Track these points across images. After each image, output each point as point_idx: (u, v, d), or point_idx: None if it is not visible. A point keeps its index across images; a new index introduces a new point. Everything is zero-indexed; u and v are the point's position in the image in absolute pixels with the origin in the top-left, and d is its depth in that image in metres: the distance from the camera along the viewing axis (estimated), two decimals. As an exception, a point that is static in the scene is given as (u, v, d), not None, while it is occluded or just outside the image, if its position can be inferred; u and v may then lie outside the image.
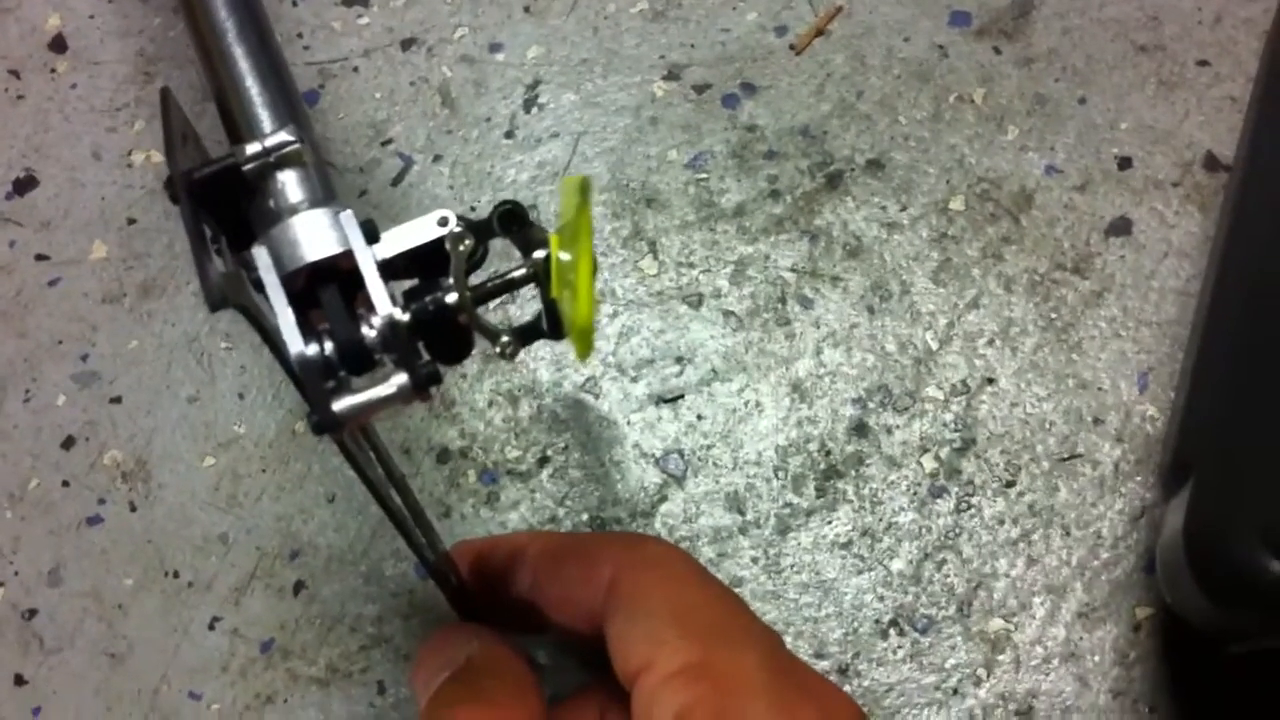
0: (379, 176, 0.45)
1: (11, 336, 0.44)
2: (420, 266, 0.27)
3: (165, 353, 0.43)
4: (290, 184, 0.28)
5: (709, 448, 0.40)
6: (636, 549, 0.31)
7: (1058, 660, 0.37)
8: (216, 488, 0.41)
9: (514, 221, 0.28)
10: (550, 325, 0.28)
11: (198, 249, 0.25)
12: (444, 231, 0.27)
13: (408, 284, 0.28)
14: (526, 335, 0.28)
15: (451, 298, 0.27)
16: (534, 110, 0.46)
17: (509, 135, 0.46)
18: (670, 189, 0.44)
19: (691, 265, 0.43)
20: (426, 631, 0.38)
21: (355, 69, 0.47)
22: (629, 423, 0.41)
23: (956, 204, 0.43)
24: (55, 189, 0.46)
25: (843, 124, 0.45)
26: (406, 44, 0.48)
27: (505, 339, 0.28)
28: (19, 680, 0.39)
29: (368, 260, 0.26)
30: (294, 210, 0.27)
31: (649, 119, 0.45)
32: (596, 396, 0.41)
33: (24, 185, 0.46)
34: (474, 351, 0.28)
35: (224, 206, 0.28)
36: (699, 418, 0.41)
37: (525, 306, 0.42)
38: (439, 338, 0.27)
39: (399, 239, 0.27)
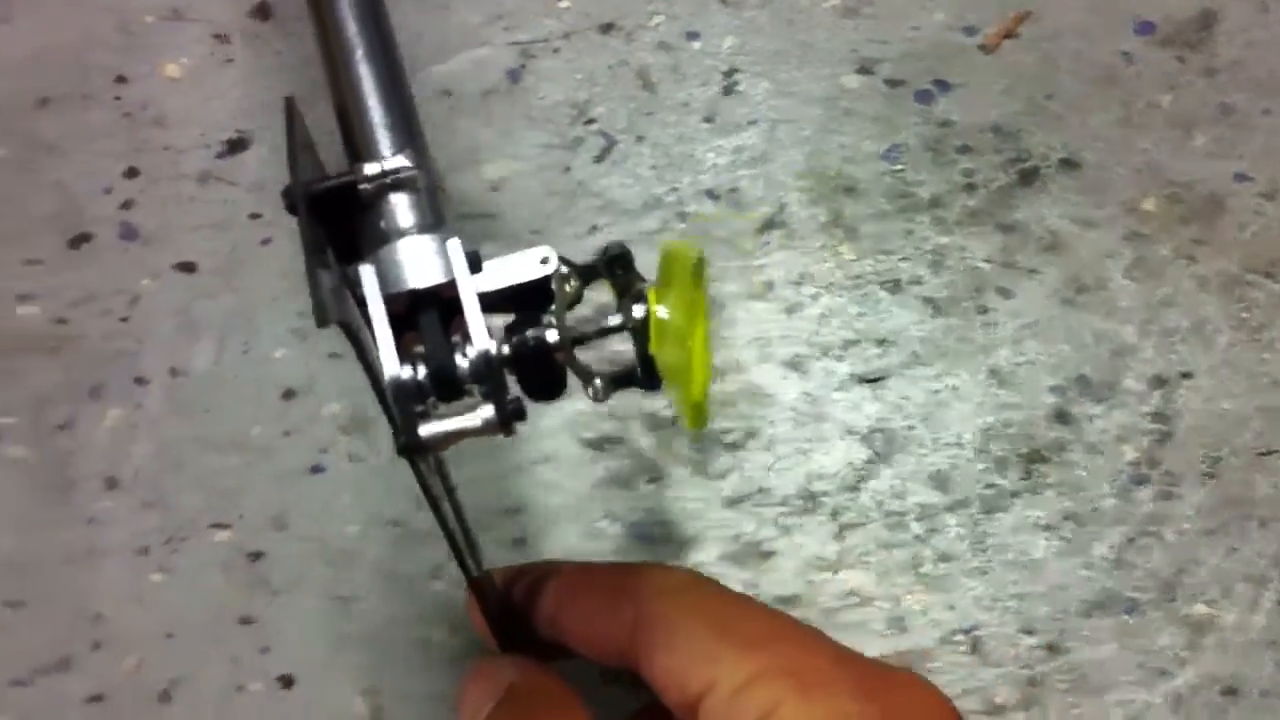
0: (582, 154, 0.47)
1: (228, 291, 0.45)
2: (518, 301, 0.28)
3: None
4: (402, 207, 0.29)
5: (911, 428, 0.42)
6: (656, 580, 0.30)
7: (1261, 646, 0.38)
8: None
9: (619, 265, 0.28)
10: (645, 376, 0.28)
11: (312, 262, 0.25)
12: (545, 270, 0.27)
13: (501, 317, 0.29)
14: (620, 382, 0.28)
15: (552, 336, 0.27)
16: (731, 97, 0.47)
17: (707, 120, 0.47)
18: (866, 178, 0.46)
19: (889, 252, 0.44)
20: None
21: (556, 50, 0.48)
22: (833, 400, 0.42)
23: (1149, 205, 0.44)
24: (265, 151, 0.47)
25: (1035, 122, 0.46)
26: (605, 28, 0.49)
27: (599, 382, 0.28)
28: (245, 620, 0.40)
29: (469, 291, 0.27)
30: (403, 234, 0.28)
31: (843, 110, 0.47)
32: (802, 374, 0.42)
33: (236, 146, 0.47)
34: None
35: (336, 220, 0.28)
36: (902, 398, 0.42)
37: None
38: (534, 374, 0.28)
39: (501, 272, 0.28)
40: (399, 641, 0.40)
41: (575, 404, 0.42)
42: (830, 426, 0.42)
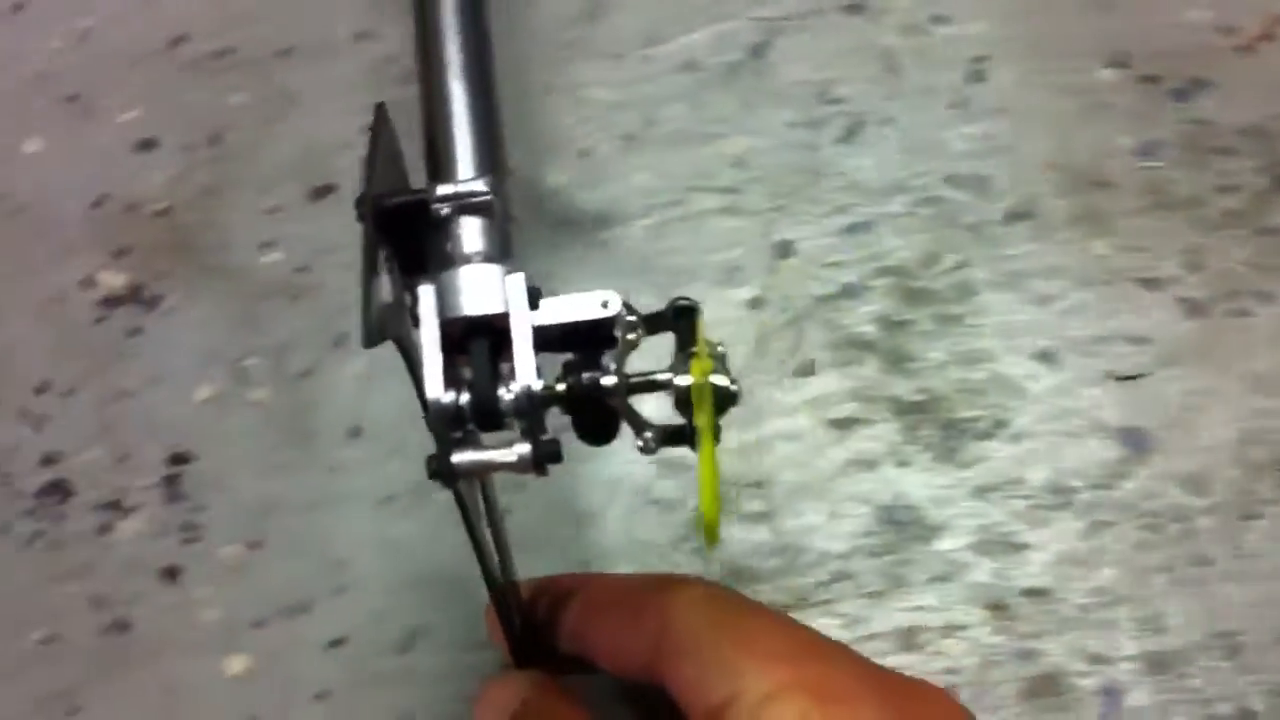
0: (826, 133, 0.46)
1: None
2: (575, 340, 0.27)
3: (624, 277, 0.44)
4: (471, 233, 0.28)
5: (1165, 428, 0.41)
6: (681, 593, 0.30)
7: None
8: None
9: (685, 321, 0.27)
10: (691, 440, 0.27)
11: (368, 277, 0.25)
12: (604, 313, 0.27)
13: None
14: (671, 438, 0.27)
15: (608, 381, 0.27)
16: (978, 84, 0.47)
17: (954, 106, 0.46)
18: (1119, 173, 0.45)
19: (1143, 249, 0.43)
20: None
21: (800, 28, 0.48)
22: (1085, 395, 0.41)
23: None
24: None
25: (1295, 127, 0.45)
26: (851, 9, 0.49)
27: (649, 435, 0.27)
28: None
29: (523, 327, 0.26)
30: (468, 260, 0.27)
31: (1095, 104, 0.46)
32: (1052, 367, 0.42)
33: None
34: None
35: (404, 234, 0.28)
36: (1156, 398, 0.41)
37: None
38: (587, 416, 0.27)
39: (558, 310, 0.27)
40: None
41: (824, 381, 0.42)
42: (1081, 422, 0.41)
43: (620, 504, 0.40)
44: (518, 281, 0.27)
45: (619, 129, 0.47)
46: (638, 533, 0.40)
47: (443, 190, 0.28)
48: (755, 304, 0.43)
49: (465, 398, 0.26)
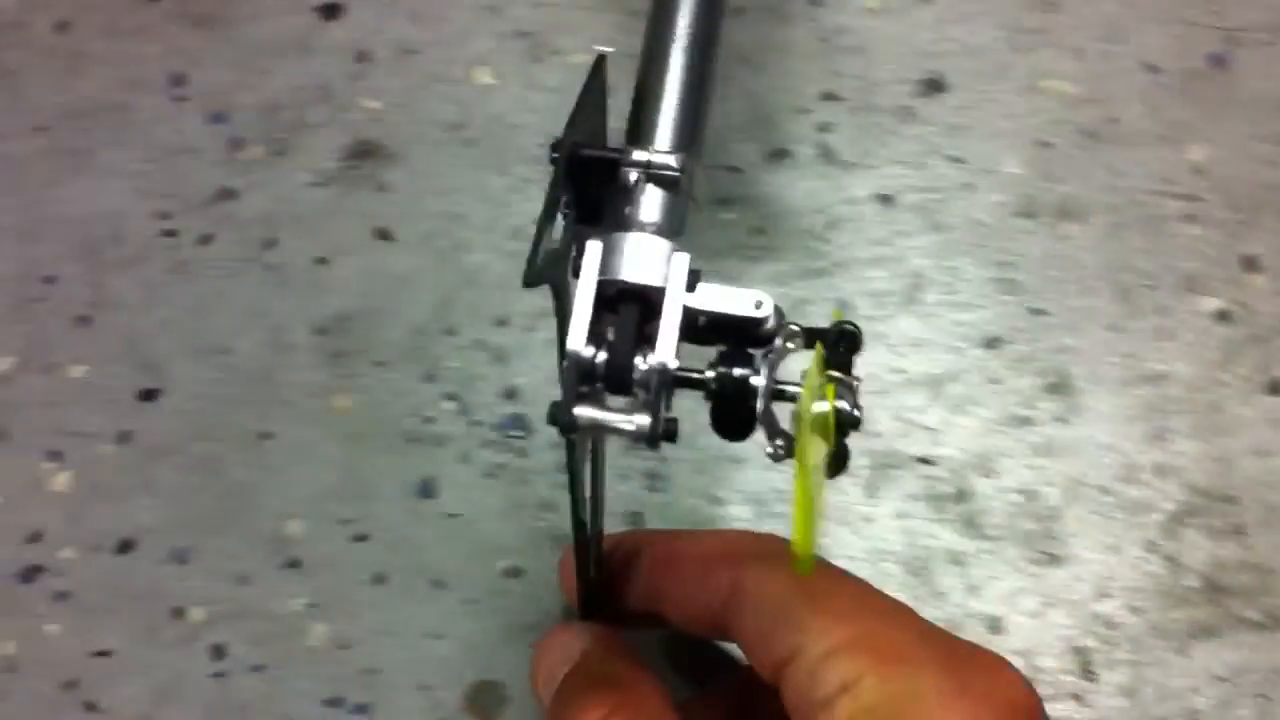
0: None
1: (927, 230, 0.45)
2: (717, 332, 0.28)
3: (1085, 276, 0.44)
4: (652, 203, 0.29)
5: None
6: (752, 547, 0.31)
7: None
8: (1138, 419, 0.42)
9: (845, 345, 0.27)
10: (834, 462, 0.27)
11: (544, 219, 0.26)
12: (754, 313, 0.27)
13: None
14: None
15: (757, 381, 0.27)
16: None
17: None
18: None
19: None
20: None
21: (1267, 43, 0.48)
22: None
23: None
24: (961, 93, 0.47)
25: None
26: (1315, 27, 0.48)
27: (780, 442, 0.27)
28: (954, 559, 0.41)
29: (675, 305, 0.27)
30: (641, 227, 0.28)
31: None
32: None
33: (932, 86, 0.48)
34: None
35: (589, 186, 0.29)
36: None
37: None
38: (726, 411, 0.27)
39: (714, 298, 0.27)
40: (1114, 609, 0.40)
41: None
42: None
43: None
44: (682, 260, 0.27)
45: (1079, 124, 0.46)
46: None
47: (637, 155, 0.29)
48: (1221, 317, 0.43)
49: (602, 357, 0.26)
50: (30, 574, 0.41)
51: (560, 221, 0.28)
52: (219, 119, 0.48)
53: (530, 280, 0.25)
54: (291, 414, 0.43)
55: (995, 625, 0.40)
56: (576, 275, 0.27)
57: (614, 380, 0.27)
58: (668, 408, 0.27)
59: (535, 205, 0.44)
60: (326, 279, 0.45)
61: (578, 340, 0.26)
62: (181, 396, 0.44)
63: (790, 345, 0.27)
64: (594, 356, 0.27)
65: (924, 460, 0.42)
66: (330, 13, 0.50)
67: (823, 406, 0.26)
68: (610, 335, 0.27)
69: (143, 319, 0.45)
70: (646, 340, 0.27)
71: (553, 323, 0.28)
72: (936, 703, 0.26)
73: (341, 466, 0.43)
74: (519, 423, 0.43)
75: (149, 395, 0.44)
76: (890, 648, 0.27)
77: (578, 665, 0.32)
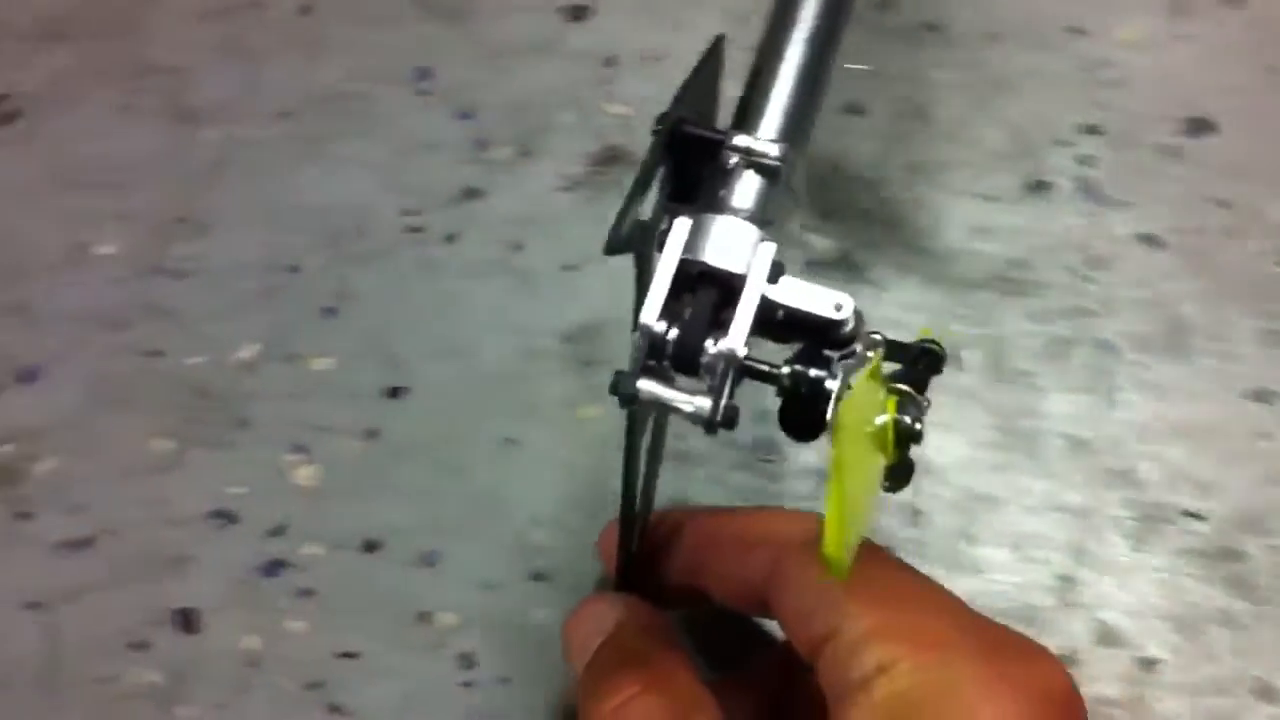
0: None
1: (1193, 275, 0.44)
2: (792, 329, 0.27)
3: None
4: (747, 189, 0.29)
5: None
6: (795, 525, 0.30)
7: None
8: None
9: (925, 362, 0.27)
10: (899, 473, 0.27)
11: (636, 189, 0.26)
12: (833, 315, 0.27)
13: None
14: None
15: (832, 385, 0.26)
16: None
17: None
18: None
19: None
20: None
21: None
22: None
23: None
24: (1234, 137, 0.46)
25: None
26: None
27: None
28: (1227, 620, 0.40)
29: (753, 295, 0.27)
30: (734, 212, 0.28)
31: None
32: None
33: (1199, 126, 0.46)
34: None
35: (688, 163, 0.29)
36: None
37: None
38: (797, 410, 0.27)
39: (793, 292, 0.27)
40: None
41: None
42: None
43: None
44: (767, 251, 0.27)
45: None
46: None
47: (740, 140, 0.29)
48: None
49: (674, 334, 0.26)
50: (274, 568, 0.41)
51: (654, 196, 0.28)
52: (465, 116, 0.47)
53: (611, 248, 0.26)
54: (538, 421, 0.42)
55: (1267, 692, 0.39)
56: (661, 250, 0.27)
57: (682, 358, 0.27)
58: (731, 395, 0.27)
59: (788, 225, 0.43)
60: (574, 286, 0.44)
61: (651, 314, 0.26)
62: (427, 396, 0.43)
63: (870, 353, 0.27)
64: (666, 332, 0.27)
65: (1191, 515, 0.41)
66: (577, 14, 0.49)
67: (883, 419, 0.26)
68: (686, 315, 0.27)
69: (387, 315, 0.44)
70: (720, 325, 0.27)
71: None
72: (973, 690, 0.25)
73: (589, 478, 0.42)
74: (770, 446, 0.42)
75: (395, 393, 0.43)
76: (929, 633, 0.27)
77: (611, 638, 0.32)
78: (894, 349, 0.27)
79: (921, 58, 0.48)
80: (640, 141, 0.46)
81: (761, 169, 0.29)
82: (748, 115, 0.30)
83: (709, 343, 0.27)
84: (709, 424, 0.27)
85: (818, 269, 0.45)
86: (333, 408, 0.43)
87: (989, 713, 0.25)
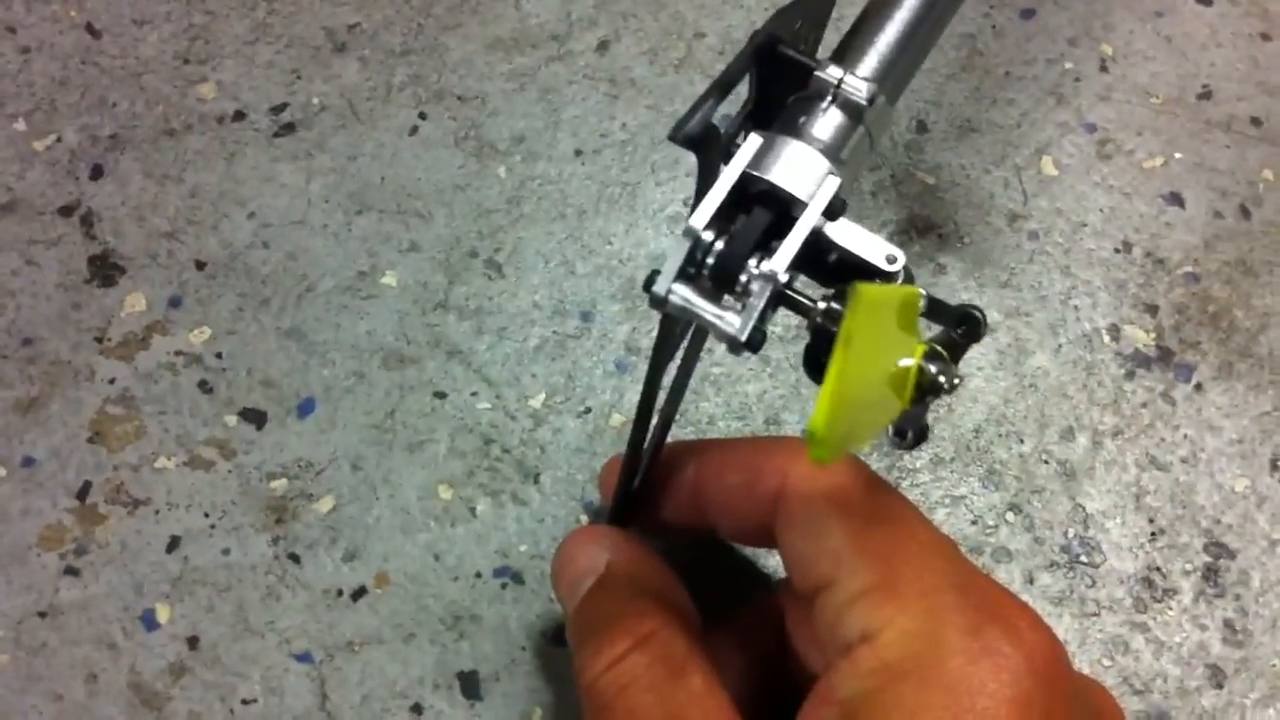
0: None
1: None
2: (841, 271, 0.27)
3: None
4: (829, 122, 0.28)
5: None
6: (802, 457, 0.30)
7: None
8: None
9: (965, 325, 0.26)
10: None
11: (715, 89, 0.25)
12: (884, 265, 0.26)
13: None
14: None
15: None
16: None
17: None
18: None
19: None
20: None
21: None
22: None
23: None
24: None
25: None
26: None
27: None
28: None
29: (808, 222, 0.26)
30: (810, 140, 0.27)
31: None
32: None
33: None
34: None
35: (777, 85, 0.28)
36: None
37: None
38: (823, 349, 0.26)
39: (849, 234, 0.27)
40: None
41: None
42: None
43: None
44: (832, 184, 0.27)
45: None
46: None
47: (832, 71, 0.28)
48: None
49: (719, 246, 0.26)
50: (560, 634, 0.38)
51: (733, 110, 0.28)
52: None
53: (673, 135, 0.25)
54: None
55: None
56: (728, 162, 0.27)
57: (722, 270, 0.26)
58: (763, 319, 0.26)
59: (1101, 318, 0.41)
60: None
61: (701, 219, 0.26)
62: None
63: (917, 305, 0.26)
64: (712, 242, 0.26)
65: None
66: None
67: (908, 362, 0.25)
68: (736, 228, 0.26)
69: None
70: (768, 250, 0.26)
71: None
72: (956, 664, 0.25)
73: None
74: (1089, 548, 0.39)
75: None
76: (917, 597, 0.26)
77: (602, 579, 0.31)
78: (936, 307, 0.27)
79: (1245, 153, 0.46)
80: (949, 213, 0.44)
81: (846, 105, 0.28)
82: (847, 52, 0.30)
83: (752, 262, 0.26)
84: (735, 343, 0.26)
85: (1137, 361, 0.42)
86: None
87: (972, 688, 0.25)
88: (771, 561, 0.38)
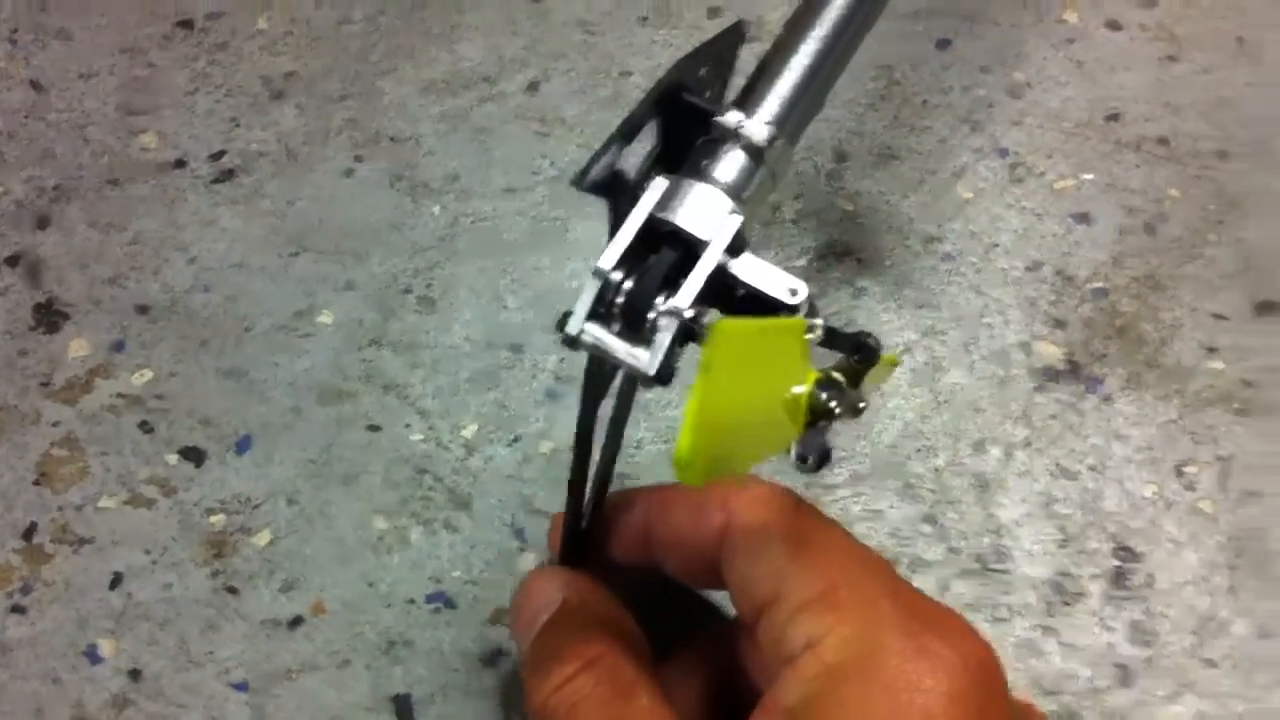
0: None
1: None
2: (745, 305, 0.28)
3: None
4: (731, 164, 0.29)
5: None
6: (744, 492, 0.31)
7: None
8: None
9: (860, 355, 0.27)
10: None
11: (617, 136, 0.27)
12: (785, 299, 0.28)
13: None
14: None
15: None
16: None
17: None
18: None
19: None
20: None
21: None
22: None
23: None
24: None
25: None
26: None
27: None
28: None
29: (711, 261, 0.27)
30: (714, 181, 0.29)
31: None
32: None
33: None
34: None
35: (680, 130, 0.30)
36: None
37: None
38: None
39: (752, 269, 0.28)
40: None
41: None
42: None
43: None
44: (734, 223, 0.28)
45: None
46: None
47: (733, 115, 0.30)
48: None
49: (628, 285, 0.27)
50: (494, 657, 0.39)
51: (637, 152, 0.29)
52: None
53: (576, 182, 0.27)
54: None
55: None
56: (633, 205, 0.28)
57: (630, 308, 0.28)
58: (671, 354, 0.27)
59: (1013, 334, 0.42)
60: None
61: (609, 260, 0.27)
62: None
63: (809, 336, 0.27)
64: (620, 282, 0.28)
65: None
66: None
67: (800, 389, 0.26)
68: (644, 268, 0.28)
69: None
70: (675, 288, 0.27)
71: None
72: (895, 663, 0.27)
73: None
74: (1002, 555, 0.41)
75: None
76: (856, 607, 0.28)
77: (555, 615, 0.33)
78: (833, 336, 0.28)
79: (1152, 172, 0.48)
80: (865, 239, 0.46)
81: (746, 147, 0.30)
82: (749, 96, 0.31)
83: (659, 300, 0.27)
84: (646, 378, 0.27)
85: (1048, 375, 0.44)
86: (556, 491, 0.41)
87: (909, 685, 0.26)
88: (718, 596, 0.40)
